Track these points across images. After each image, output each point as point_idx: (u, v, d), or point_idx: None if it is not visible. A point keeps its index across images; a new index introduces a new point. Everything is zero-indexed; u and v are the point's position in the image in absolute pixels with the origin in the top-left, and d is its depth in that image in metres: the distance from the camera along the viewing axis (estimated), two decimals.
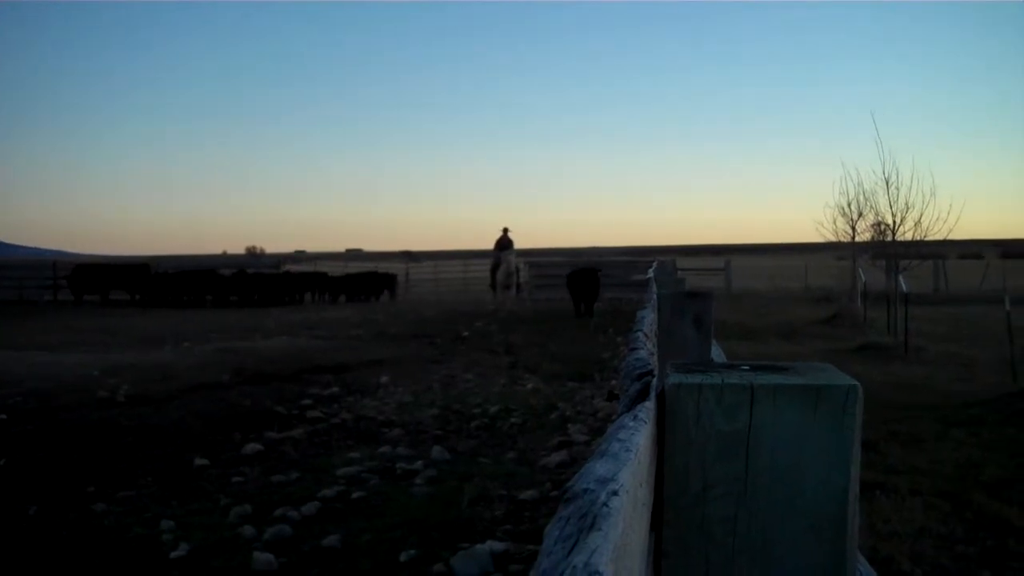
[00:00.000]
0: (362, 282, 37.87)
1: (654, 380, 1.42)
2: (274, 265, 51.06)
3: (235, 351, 15.55)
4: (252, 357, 14.54)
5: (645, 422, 1.13)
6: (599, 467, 0.91)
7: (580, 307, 24.30)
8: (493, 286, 27.58)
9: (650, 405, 1.23)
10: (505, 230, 27.45)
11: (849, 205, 23.12)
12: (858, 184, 28.91)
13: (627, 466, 0.93)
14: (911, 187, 20.90)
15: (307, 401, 10.65)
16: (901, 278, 18.15)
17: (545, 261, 38.08)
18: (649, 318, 3.73)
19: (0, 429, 9.06)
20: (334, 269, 45.23)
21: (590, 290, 24.48)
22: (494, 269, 27.23)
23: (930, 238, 18.93)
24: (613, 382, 11.41)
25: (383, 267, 49.37)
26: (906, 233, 19.23)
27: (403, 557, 5.38)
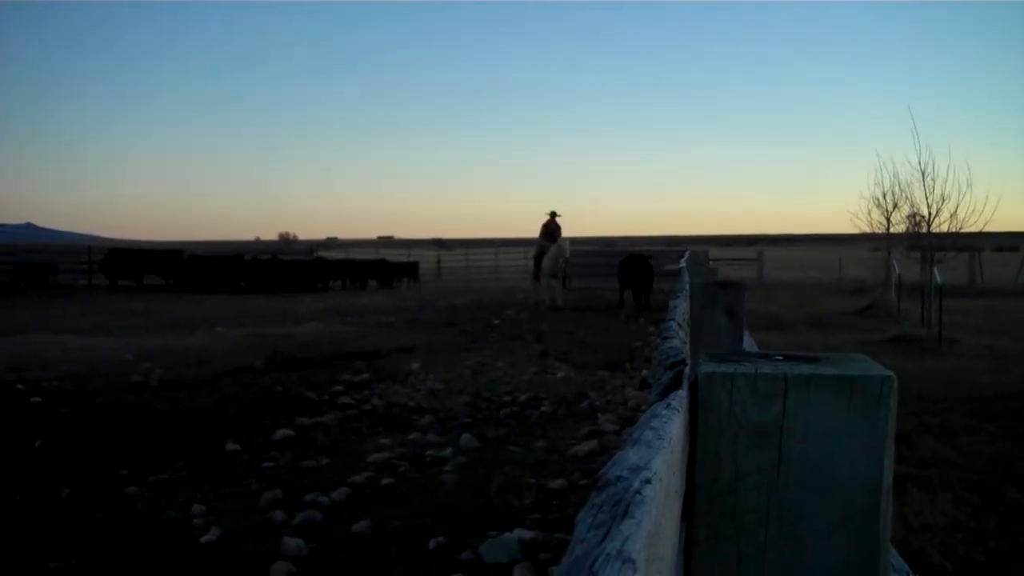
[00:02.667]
0: (386, 269, 38.29)
1: (687, 369, 1.41)
2: (307, 252, 51.40)
3: (267, 336, 15.66)
4: (284, 343, 14.64)
5: (678, 411, 1.13)
6: (632, 455, 0.91)
7: (627, 296, 23.17)
8: (537, 276, 25.11)
9: (683, 394, 1.23)
10: (552, 214, 25.29)
11: (884, 196, 22.95)
12: (893, 175, 28.56)
13: (660, 454, 0.93)
14: (947, 178, 20.61)
15: (338, 387, 10.70)
16: (936, 270, 17.98)
17: (576, 250, 38.03)
18: (681, 307, 3.72)
19: (35, 412, 9.17)
20: (362, 256, 45.64)
21: (644, 280, 23.07)
22: (538, 257, 24.82)
23: (966, 230, 18.73)
24: (644, 371, 11.39)
25: (414, 255, 49.77)
26: (942, 225, 19.03)
27: (432, 544, 5.40)
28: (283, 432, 8.39)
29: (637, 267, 23.39)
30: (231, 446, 7.87)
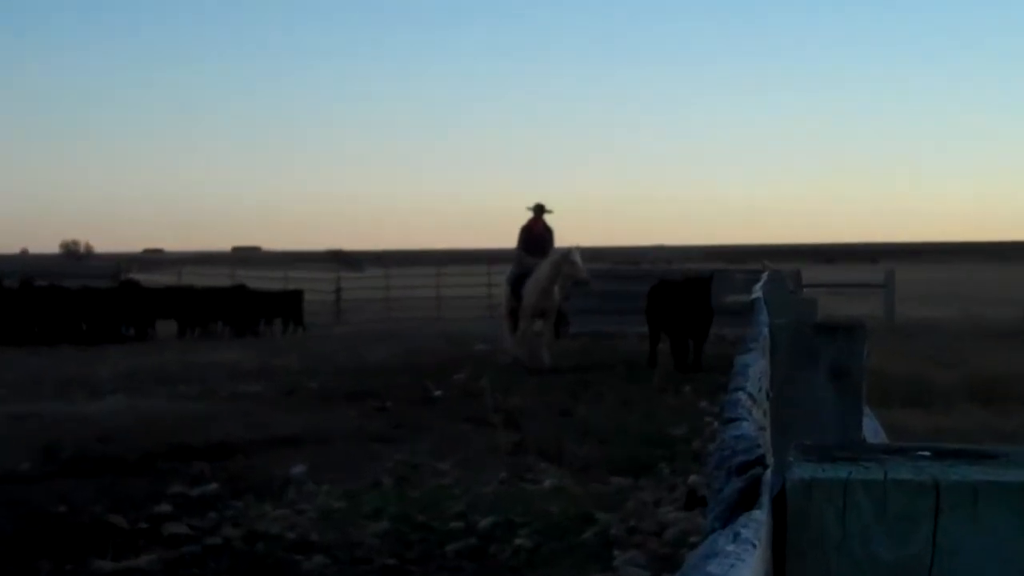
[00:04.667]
0: (248, 303, 38.01)
1: (767, 473, 1.42)
2: (110, 273, 51.16)
3: (42, 419, 15.56)
4: (72, 430, 14.55)
5: (754, 545, 1.13)
6: None
7: (662, 349, 23.00)
8: (513, 314, 24.15)
9: (761, 516, 1.24)
10: (539, 210, 24.71)
11: None
12: None
13: None
14: None
15: (164, 507, 10.64)
16: None
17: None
18: (756, 368, 3.73)
19: None
20: (207, 281, 45.55)
21: (694, 319, 22.52)
22: (516, 282, 24.12)
23: None
24: (693, 477, 11.40)
25: (296, 279, 49.75)
26: None
27: None
28: None
29: (681, 298, 22.94)
30: None
